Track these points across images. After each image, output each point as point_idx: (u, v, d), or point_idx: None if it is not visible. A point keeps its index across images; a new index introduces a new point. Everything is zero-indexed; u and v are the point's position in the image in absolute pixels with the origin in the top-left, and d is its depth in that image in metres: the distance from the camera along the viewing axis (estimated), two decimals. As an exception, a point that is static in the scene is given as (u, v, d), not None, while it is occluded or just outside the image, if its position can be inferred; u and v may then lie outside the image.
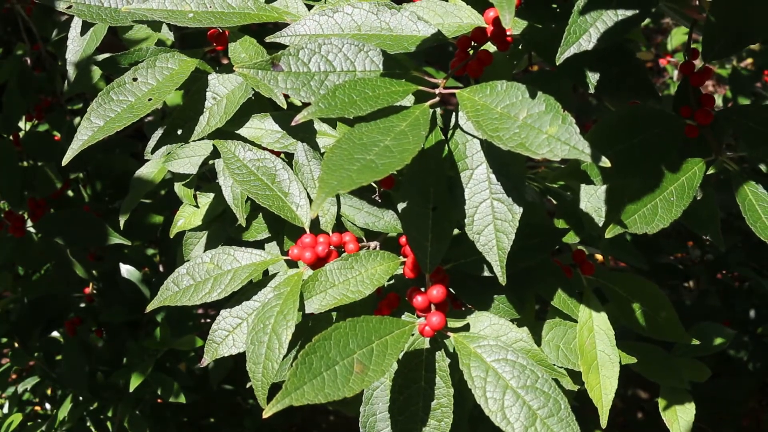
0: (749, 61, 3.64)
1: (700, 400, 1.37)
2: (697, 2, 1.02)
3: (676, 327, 1.11)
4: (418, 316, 0.93)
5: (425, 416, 0.86)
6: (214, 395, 2.36)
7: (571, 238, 1.17)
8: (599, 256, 1.57)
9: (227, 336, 1.01)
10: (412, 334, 0.89)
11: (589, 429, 1.75)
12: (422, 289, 0.93)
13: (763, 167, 0.90)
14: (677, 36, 3.12)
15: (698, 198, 1.02)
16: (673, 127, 0.95)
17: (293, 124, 0.76)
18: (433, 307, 0.92)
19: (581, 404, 1.15)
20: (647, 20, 2.80)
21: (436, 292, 0.91)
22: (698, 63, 1.01)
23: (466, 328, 0.93)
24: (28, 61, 2.01)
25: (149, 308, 1.02)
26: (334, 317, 1.03)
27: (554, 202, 1.36)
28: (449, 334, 0.90)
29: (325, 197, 0.66)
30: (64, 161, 0.97)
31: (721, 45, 0.94)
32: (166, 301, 1.00)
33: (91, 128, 0.98)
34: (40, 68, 2.13)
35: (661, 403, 1.31)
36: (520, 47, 1.21)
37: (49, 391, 2.32)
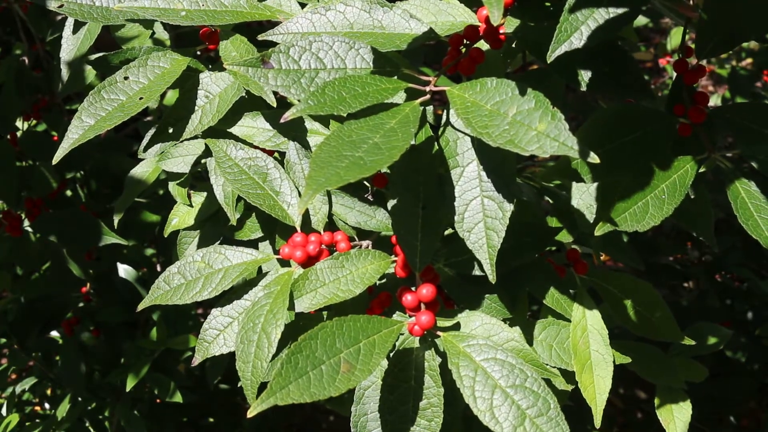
0: (749, 60, 3.63)
1: (698, 401, 1.36)
2: (691, 0, 1.02)
3: (671, 326, 1.11)
4: (409, 315, 0.93)
5: (415, 416, 0.86)
6: (213, 395, 2.36)
7: (564, 237, 1.16)
8: (597, 256, 1.56)
9: (218, 335, 1.00)
10: (402, 334, 0.88)
11: (586, 429, 1.74)
12: (412, 288, 0.93)
13: (755, 164, 0.89)
14: (676, 36, 3.11)
15: (692, 197, 1.02)
16: (665, 125, 0.94)
17: (282, 121, 0.76)
18: (422, 306, 0.91)
19: (578, 404, 1.14)
20: (646, 20, 2.79)
21: (426, 290, 0.90)
22: (693, 61, 1.01)
23: (456, 327, 0.92)
24: (26, 61, 2.01)
25: (140, 307, 1.02)
26: (325, 317, 1.02)
27: (550, 201, 1.36)
28: (439, 333, 0.89)
29: (313, 194, 0.65)
30: (55, 159, 0.97)
31: (715, 43, 0.94)
32: (156, 300, 1.00)
33: (82, 127, 0.98)
34: (38, 68, 2.12)
35: (658, 402, 1.30)
36: (513, 45, 1.20)
37: (48, 391, 2.32)
